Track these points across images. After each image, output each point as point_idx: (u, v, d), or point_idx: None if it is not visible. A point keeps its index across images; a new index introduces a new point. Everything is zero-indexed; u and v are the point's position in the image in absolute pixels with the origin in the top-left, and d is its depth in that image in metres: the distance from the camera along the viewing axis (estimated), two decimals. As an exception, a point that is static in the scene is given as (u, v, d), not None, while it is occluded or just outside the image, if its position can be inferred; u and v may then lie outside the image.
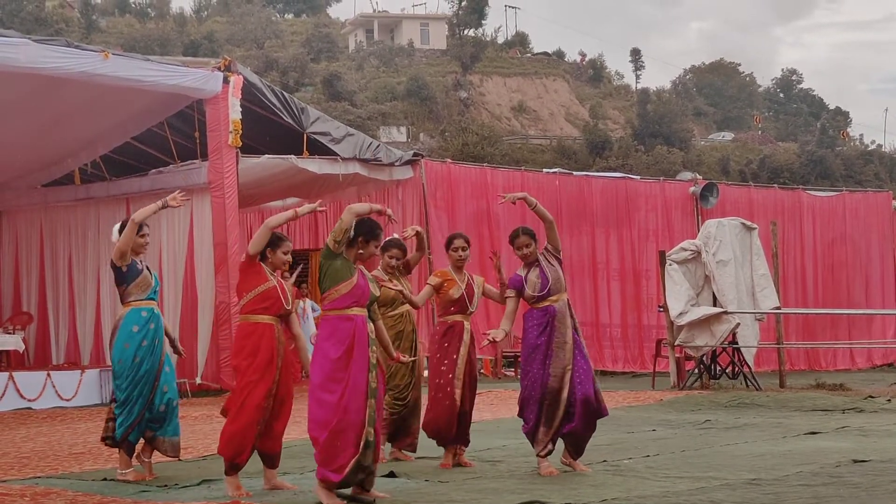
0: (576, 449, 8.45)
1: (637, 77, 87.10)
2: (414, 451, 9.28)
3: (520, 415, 8.49)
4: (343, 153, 19.16)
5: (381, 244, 7.44)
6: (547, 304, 8.45)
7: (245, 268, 7.79)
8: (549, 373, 8.28)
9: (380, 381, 7.20)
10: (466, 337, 9.01)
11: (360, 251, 7.29)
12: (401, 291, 8.77)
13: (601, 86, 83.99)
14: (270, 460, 7.77)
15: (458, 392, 8.84)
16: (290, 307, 7.88)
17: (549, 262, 8.56)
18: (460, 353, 8.91)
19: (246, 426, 7.56)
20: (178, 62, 19.49)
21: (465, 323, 9.04)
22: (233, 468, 7.61)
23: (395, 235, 9.74)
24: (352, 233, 7.21)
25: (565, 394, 8.27)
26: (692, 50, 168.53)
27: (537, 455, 8.34)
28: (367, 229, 7.31)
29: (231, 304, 16.17)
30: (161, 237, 17.79)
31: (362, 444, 6.94)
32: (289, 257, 7.93)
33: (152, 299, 8.52)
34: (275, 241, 7.87)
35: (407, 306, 9.21)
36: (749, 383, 17.53)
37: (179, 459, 8.93)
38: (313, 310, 18.33)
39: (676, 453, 9.54)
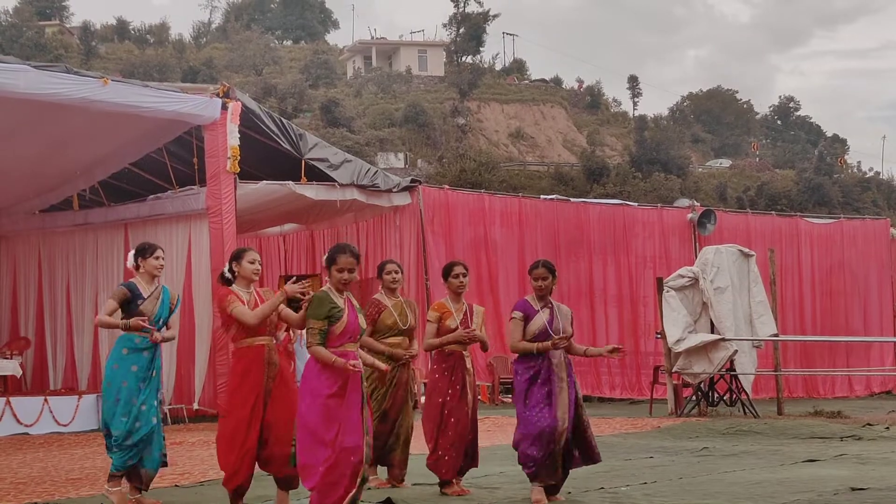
0: (553, 487, 8.41)
1: (635, 104, 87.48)
2: (401, 480, 9.21)
3: (526, 452, 8.28)
4: (341, 179, 19.17)
5: (343, 265, 7.19)
6: None
7: (221, 302, 7.77)
8: (556, 416, 8.16)
9: (369, 415, 7.14)
10: (469, 365, 9.02)
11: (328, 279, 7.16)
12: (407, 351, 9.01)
13: (599, 113, 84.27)
14: (285, 483, 7.71)
15: (472, 424, 8.90)
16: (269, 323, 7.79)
17: (562, 315, 8.46)
18: (466, 382, 8.91)
19: (240, 456, 7.54)
20: (176, 88, 19.52)
21: (464, 352, 9.03)
22: (237, 495, 7.60)
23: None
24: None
25: (566, 437, 8.25)
26: (690, 77, 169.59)
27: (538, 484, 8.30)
28: (327, 257, 7.18)
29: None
30: (159, 263, 17.73)
31: (359, 479, 6.84)
32: (256, 265, 7.82)
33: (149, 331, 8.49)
34: (237, 254, 7.85)
35: (402, 336, 9.21)
36: (747, 410, 17.50)
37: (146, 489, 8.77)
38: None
39: (674, 480, 9.52)
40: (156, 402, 8.43)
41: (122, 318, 8.41)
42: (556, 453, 8.16)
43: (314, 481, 6.81)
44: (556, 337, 8.21)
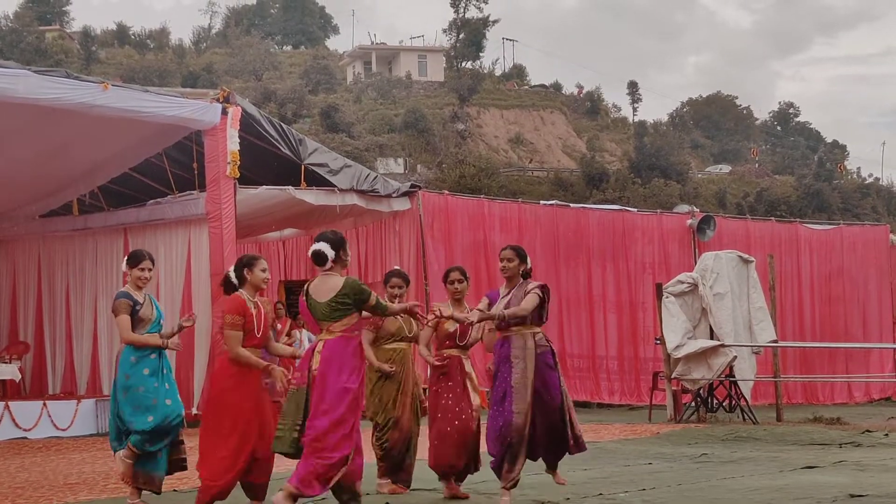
0: (551, 463, 8.38)
1: (634, 110, 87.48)
2: (408, 485, 9.22)
3: (489, 450, 8.21)
4: (341, 184, 19.18)
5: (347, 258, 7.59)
6: (507, 334, 8.18)
7: (230, 311, 7.78)
8: (511, 410, 7.98)
9: None
10: (468, 368, 9.01)
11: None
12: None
13: (598, 118, 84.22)
14: (261, 490, 7.73)
15: (472, 423, 8.87)
16: (262, 335, 7.86)
17: (519, 291, 8.25)
18: (466, 384, 8.91)
19: (231, 467, 7.62)
20: (176, 93, 19.54)
21: (462, 357, 9.02)
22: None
23: (397, 267, 9.78)
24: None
25: (527, 431, 8.01)
26: (690, 83, 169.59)
27: (502, 488, 8.12)
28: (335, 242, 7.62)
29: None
30: (159, 267, 17.71)
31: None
32: (267, 275, 7.96)
33: (152, 332, 8.45)
34: (249, 261, 7.92)
35: (406, 342, 9.21)
36: (746, 417, 17.50)
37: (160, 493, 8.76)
38: (309, 340, 18.24)
39: (673, 487, 9.52)
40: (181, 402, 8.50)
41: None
42: (516, 447, 7.98)
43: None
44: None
